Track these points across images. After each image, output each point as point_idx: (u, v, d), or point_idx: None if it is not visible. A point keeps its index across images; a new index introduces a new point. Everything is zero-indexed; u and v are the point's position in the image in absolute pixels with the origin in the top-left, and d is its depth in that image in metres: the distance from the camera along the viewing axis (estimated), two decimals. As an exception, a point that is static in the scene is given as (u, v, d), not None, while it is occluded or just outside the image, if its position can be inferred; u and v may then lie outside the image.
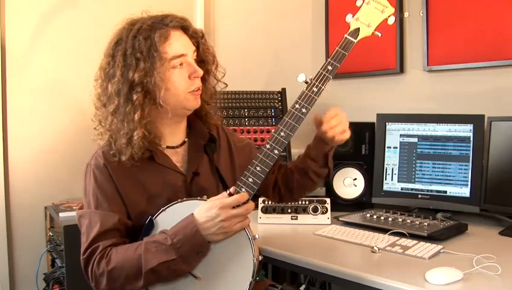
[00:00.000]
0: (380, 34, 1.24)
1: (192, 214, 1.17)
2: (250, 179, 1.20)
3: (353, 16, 1.24)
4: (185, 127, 1.38)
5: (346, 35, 1.24)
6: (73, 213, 1.99)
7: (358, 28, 1.23)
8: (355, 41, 1.23)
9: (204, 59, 1.33)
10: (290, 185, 1.48)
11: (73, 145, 2.34)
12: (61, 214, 1.98)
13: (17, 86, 2.20)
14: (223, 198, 1.17)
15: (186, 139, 1.37)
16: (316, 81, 1.21)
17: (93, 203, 1.23)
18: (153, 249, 1.13)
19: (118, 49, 1.23)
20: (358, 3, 1.25)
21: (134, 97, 1.20)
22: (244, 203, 1.17)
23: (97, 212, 1.22)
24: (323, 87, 1.21)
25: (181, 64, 1.25)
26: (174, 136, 1.34)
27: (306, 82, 1.22)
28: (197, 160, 1.35)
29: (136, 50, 1.20)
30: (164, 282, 1.17)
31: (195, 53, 1.30)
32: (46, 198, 2.23)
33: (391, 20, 1.24)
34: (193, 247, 1.14)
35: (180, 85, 1.25)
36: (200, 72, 1.27)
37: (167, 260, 1.12)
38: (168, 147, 1.33)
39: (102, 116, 1.28)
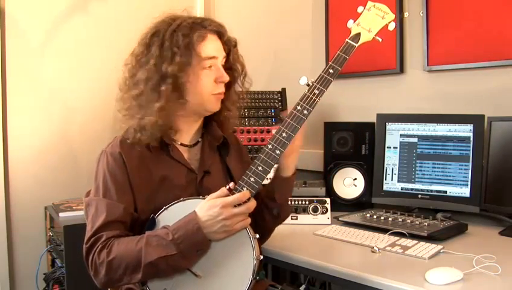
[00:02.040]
0: (380, 39, 1.27)
1: (194, 211, 1.17)
2: (252, 179, 1.20)
3: (354, 22, 1.27)
4: (201, 128, 1.41)
5: (347, 40, 1.26)
6: (73, 213, 2.00)
7: (359, 33, 1.26)
8: (356, 45, 1.26)
9: (232, 67, 1.37)
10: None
11: (73, 145, 2.34)
12: (61, 214, 1.99)
13: (18, 86, 2.21)
14: (223, 196, 1.18)
15: (200, 140, 1.40)
16: (318, 83, 1.23)
17: (101, 190, 1.25)
18: (154, 243, 1.14)
19: (155, 40, 1.28)
20: (359, 10, 1.28)
21: (163, 88, 1.24)
22: (245, 202, 1.18)
23: (104, 200, 1.23)
24: (324, 89, 1.23)
25: (210, 66, 1.30)
26: (189, 135, 1.38)
27: (308, 84, 1.24)
28: (210, 159, 1.37)
29: (173, 44, 1.25)
30: (162, 277, 1.18)
31: (225, 59, 1.34)
32: (46, 198, 2.23)
33: (391, 26, 1.27)
34: (193, 244, 1.15)
35: (205, 86, 1.29)
36: (227, 78, 1.31)
37: (166, 255, 1.13)
38: (182, 144, 1.36)
39: (124, 99, 1.32)
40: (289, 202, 1.42)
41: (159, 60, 1.25)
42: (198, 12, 2.79)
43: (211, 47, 1.29)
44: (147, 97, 1.26)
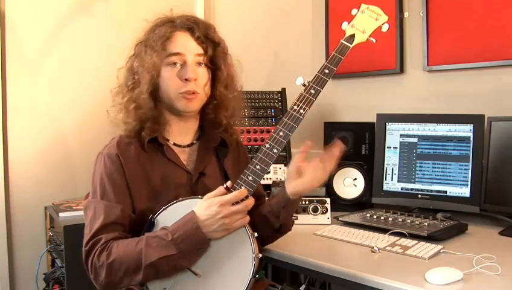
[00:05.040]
0: (374, 40, 1.30)
1: (193, 211, 1.17)
2: (250, 178, 1.21)
3: (348, 23, 1.30)
4: (195, 129, 1.40)
5: (342, 41, 1.29)
6: (73, 213, 2.00)
7: (354, 34, 1.29)
8: (351, 46, 1.28)
9: (217, 67, 1.36)
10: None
11: (73, 145, 2.34)
12: (61, 214, 1.99)
13: (18, 86, 2.21)
14: (220, 194, 1.18)
15: (195, 141, 1.39)
16: (314, 83, 1.25)
17: (99, 192, 1.25)
18: (154, 244, 1.14)
19: (137, 40, 1.33)
20: (353, 12, 1.31)
21: (132, 81, 1.30)
22: (243, 199, 1.18)
23: (102, 202, 1.23)
24: (320, 89, 1.25)
25: (175, 63, 1.29)
26: (181, 135, 1.37)
27: (304, 85, 1.26)
28: (205, 160, 1.37)
29: (144, 42, 1.31)
30: (163, 277, 1.17)
31: (203, 57, 1.32)
32: (46, 198, 2.23)
33: (385, 28, 1.30)
34: (193, 243, 1.15)
35: (170, 83, 1.29)
36: (190, 75, 1.28)
37: (167, 255, 1.13)
38: (175, 145, 1.35)
39: (122, 94, 1.35)
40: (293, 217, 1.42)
41: (134, 58, 1.32)
42: (198, 12, 2.79)
43: (175, 43, 1.28)
44: (124, 88, 1.32)
